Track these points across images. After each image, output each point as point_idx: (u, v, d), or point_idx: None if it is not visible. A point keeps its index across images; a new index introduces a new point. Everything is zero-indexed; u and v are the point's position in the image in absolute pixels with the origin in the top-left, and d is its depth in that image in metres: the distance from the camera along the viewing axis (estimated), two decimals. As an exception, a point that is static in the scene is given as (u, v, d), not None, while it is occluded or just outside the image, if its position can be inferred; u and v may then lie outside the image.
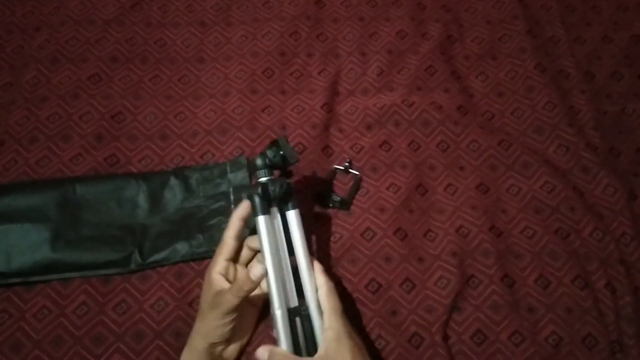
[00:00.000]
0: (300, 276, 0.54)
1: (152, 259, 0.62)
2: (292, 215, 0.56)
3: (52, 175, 0.67)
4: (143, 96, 0.74)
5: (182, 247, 0.63)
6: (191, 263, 0.63)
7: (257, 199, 0.55)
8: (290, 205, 0.56)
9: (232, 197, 0.66)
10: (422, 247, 0.64)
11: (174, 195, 0.66)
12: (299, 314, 0.53)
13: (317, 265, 0.55)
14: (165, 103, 0.73)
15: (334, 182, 0.69)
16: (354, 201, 0.67)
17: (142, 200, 0.65)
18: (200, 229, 0.64)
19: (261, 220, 0.54)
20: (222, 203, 0.66)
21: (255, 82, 0.75)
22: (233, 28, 0.80)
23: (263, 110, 0.73)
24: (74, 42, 0.77)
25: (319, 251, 0.64)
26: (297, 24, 0.80)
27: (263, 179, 0.56)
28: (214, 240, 0.64)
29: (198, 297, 0.61)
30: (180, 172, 0.67)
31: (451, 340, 0.60)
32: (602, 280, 0.62)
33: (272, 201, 0.56)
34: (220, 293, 0.52)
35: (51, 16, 0.79)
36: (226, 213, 0.65)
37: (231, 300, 0.51)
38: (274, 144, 0.57)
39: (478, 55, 0.79)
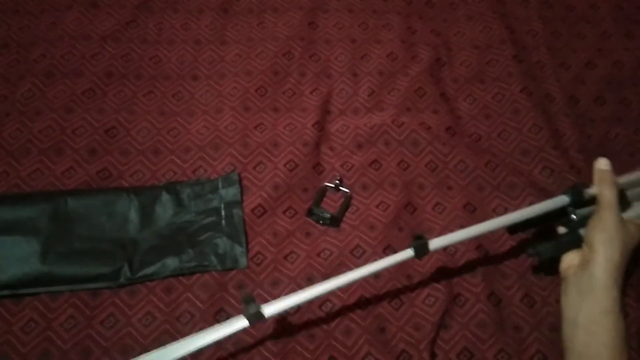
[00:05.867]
0: None
1: (141, 273, 0.62)
2: None
3: (44, 188, 0.67)
4: (137, 111, 0.74)
5: (172, 262, 0.63)
6: (180, 278, 0.63)
7: None
8: None
9: (223, 213, 0.67)
10: (411, 264, 0.65)
11: (165, 210, 0.67)
12: (624, 200, 0.59)
13: None
14: (159, 118, 0.74)
15: (325, 199, 0.70)
16: (344, 218, 0.68)
17: (133, 214, 0.66)
18: (191, 243, 0.65)
19: None
20: (213, 218, 0.66)
21: (248, 100, 0.76)
22: (227, 47, 0.81)
23: (255, 128, 0.74)
24: (69, 57, 0.78)
25: (309, 267, 0.64)
26: (290, 44, 0.82)
27: None
28: (204, 255, 0.64)
29: (186, 311, 0.61)
30: (172, 187, 0.68)
31: (438, 357, 0.60)
32: (586, 299, 0.63)
33: None
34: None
35: (47, 31, 0.80)
36: (217, 229, 0.66)
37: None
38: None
39: (466, 79, 0.81)
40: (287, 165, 0.71)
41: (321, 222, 0.67)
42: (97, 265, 0.62)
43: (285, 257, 0.65)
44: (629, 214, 0.60)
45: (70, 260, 0.62)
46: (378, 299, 0.63)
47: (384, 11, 0.87)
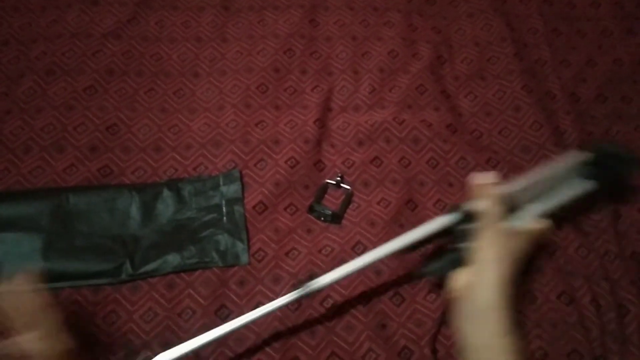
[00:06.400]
0: (531, 205, 0.59)
1: (143, 269, 0.62)
2: (588, 184, 0.62)
3: (46, 185, 0.67)
4: (138, 109, 0.74)
5: (173, 259, 0.63)
6: (182, 274, 0.63)
7: (607, 150, 0.63)
8: (599, 177, 0.61)
9: (224, 210, 0.67)
10: (412, 261, 0.65)
11: (166, 206, 0.67)
12: (512, 206, 0.57)
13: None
14: (160, 116, 0.74)
15: (326, 196, 0.70)
16: (345, 215, 0.68)
17: (135, 211, 0.66)
18: (192, 240, 0.65)
19: (585, 156, 0.62)
20: (214, 215, 0.67)
21: (250, 97, 0.76)
22: (228, 44, 0.81)
23: (257, 125, 0.74)
24: (70, 55, 0.78)
25: (310, 264, 0.64)
26: (291, 42, 0.82)
27: (619, 149, 0.63)
28: (206, 252, 0.64)
29: (188, 307, 0.61)
30: (173, 184, 0.68)
31: (440, 353, 0.60)
32: (587, 296, 0.63)
33: (595, 165, 0.62)
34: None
35: (48, 28, 0.80)
36: (218, 225, 0.66)
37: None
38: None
39: (467, 76, 0.81)
40: (288, 162, 0.71)
41: (322, 218, 0.68)
42: (98, 261, 0.62)
43: (286, 254, 0.65)
44: (520, 218, 0.57)
45: (71, 256, 0.62)
46: (379, 295, 0.63)
47: (384, 8, 0.87)
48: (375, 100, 0.78)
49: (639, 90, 0.81)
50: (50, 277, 0.61)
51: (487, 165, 0.73)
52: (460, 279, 0.54)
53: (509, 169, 0.72)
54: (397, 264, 0.65)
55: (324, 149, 0.73)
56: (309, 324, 0.61)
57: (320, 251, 0.65)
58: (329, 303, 0.62)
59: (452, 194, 0.70)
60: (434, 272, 0.57)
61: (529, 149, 0.74)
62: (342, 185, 0.70)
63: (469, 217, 0.55)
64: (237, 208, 0.67)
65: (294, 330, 0.61)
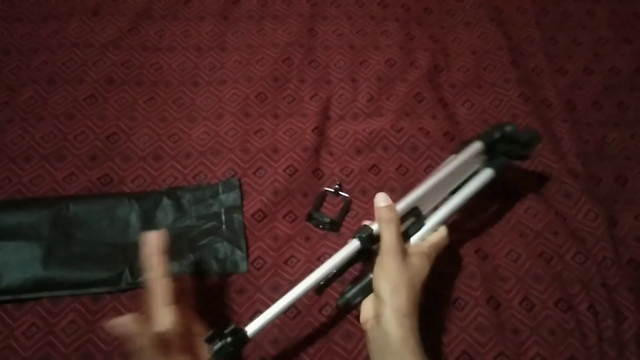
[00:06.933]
0: (440, 207, 0.59)
1: (142, 278, 0.63)
2: (486, 173, 0.61)
3: (46, 193, 0.68)
4: (138, 117, 0.75)
5: (172, 267, 0.63)
6: (182, 282, 0.64)
7: (494, 136, 0.62)
8: (494, 164, 0.61)
9: (223, 218, 0.67)
10: (410, 268, 0.66)
11: (166, 215, 0.67)
12: (416, 218, 0.57)
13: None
14: (160, 124, 0.75)
15: (324, 204, 0.70)
16: (344, 223, 0.69)
17: (134, 219, 0.66)
18: (191, 248, 0.65)
19: (478, 144, 0.62)
20: (213, 223, 0.67)
21: (249, 106, 0.77)
22: (227, 53, 0.82)
23: (256, 133, 0.75)
24: (70, 64, 0.78)
25: (309, 271, 0.64)
26: (290, 51, 0.82)
27: (508, 128, 0.62)
28: (205, 260, 0.64)
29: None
30: (172, 193, 0.69)
31: (438, 361, 0.60)
32: (584, 303, 0.63)
33: (490, 151, 0.62)
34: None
35: (49, 38, 0.81)
36: (217, 233, 0.66)
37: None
38: (531, 132, 0.63)
39: (464, 84, 0.82)
40: (287, 170, 0.72)
41: (321, 226, 0.68)
42: (98, 270, 0.62)
43: (285, 262, 0.66)
44: (424, 230, 0.57)
45: (71, 265, 0.62)
46: (378, 302, 0.63)
47: (382, 18, 0.87)
48: (373, 108, 0.78)
49: (635, 97, 0.81)
50: (51, 285, 0.61)
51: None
52: (367, 309, 0.52)
53: (506, 176, 0.72)
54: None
55: (323, 157, 0.74)
56: (307, 332, 0.61)
57: (319, 259, 0.66)
58: (327, 311, 0.62)
59: (450, 201, 0.71)
60: (346, 302, 0.54)
61: (526, 157, 0.75)
62: (340, 193, 0.70)
63: (373, 239, 0.54)
64: (236, 216, 0.67)
65: (292, 338, 0.61)
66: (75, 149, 0.72)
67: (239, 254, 0.65)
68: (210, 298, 0.63)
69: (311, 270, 0.64)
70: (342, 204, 0.70)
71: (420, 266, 0.53)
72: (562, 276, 0.66)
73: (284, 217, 0.69)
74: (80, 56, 0.79)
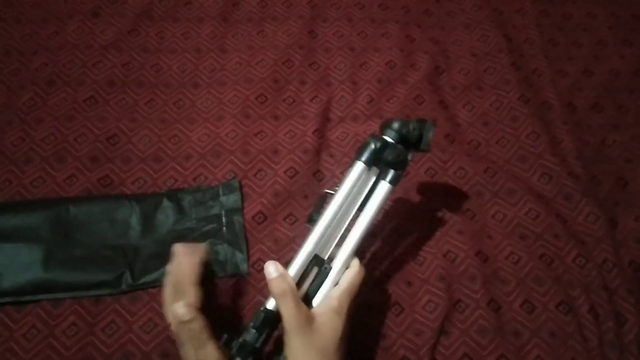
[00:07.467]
0: (345, 241, 0.55)
1: (143, 280, 0.63)
2: (383, 187, 0.56)
3: (46, 195, 0.68)
4: (138, 119, 0.75)
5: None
6: (182, 284, 0.63)
7: (371, 146, 0.55)
8: (389, 176, 0.56)
9: (223, 220, 0.67)
10: (411, 271, 0.66)
11: (166, 217, 0.67)
12: (319, 266, 0.53)
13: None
14: (160, 126, 0.75)
15: (325, 206, 0.70)
16: (344, 225, 0.69)
17: (135, 221, 0.66)
18: (192, 250, 0.65)
19: (359, 166, 0.55)
20: (214, 225, 0.67)
21: (249, 108, 0.77)
22: (228, 55, 0.82)
23: (256, 135, 0.75)
24: (71, 66, 0.78)
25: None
26: (290, 53, 0.82)
27: (388, 138, 0.56)
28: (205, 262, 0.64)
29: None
30: (173, 195, 0.68)
31: (438, 363, 0.60)
32: (585, 305, 0.63)
33: (380, 162, 0.56)
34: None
35: (49, 40, 0.81)
36: (218, 235, 0.66)
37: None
38: (421, 122, 0.57)
39: (464, 86, 0.82)
40: (288, 172, 0.71)
41: (321, 228, 0.67)
42: (98, 272, 0.62)
43: (286, 264, 0.65)
44: (333, 276, 0.53)
45: (72, 267, 0.62)
46: (378, 305, 0.63)
47: (382, 20, 0.87)
48: (374, 110, 0.78)
49: (635, 99, 0.81)
50: (51, 287, 0.61)
51: (485, 174, 0.73)
52: None
53: (506, 178, 0.73)
54: (396, 275, 0.65)
55: (323, 159, 0.74)
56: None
57: (319, 261, 0.66)
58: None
59: (450, 203, 0.71)
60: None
61: (526, 159, 0.75)
62: (341, 195, 0.70)
63: (275, 318, 0.50)
64: (237, 218, 0.67)
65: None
66: (75, 150, 0.71)
67: (239, 256, 0.65)
68: (210, 300, 0.62)
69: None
70: (342, 206, 0.70)
71: (330, 327, 0.50)
72: (563, 279, 0.66)
73: (284, 219, 0.69)
74: (81, 57, 0.79)
